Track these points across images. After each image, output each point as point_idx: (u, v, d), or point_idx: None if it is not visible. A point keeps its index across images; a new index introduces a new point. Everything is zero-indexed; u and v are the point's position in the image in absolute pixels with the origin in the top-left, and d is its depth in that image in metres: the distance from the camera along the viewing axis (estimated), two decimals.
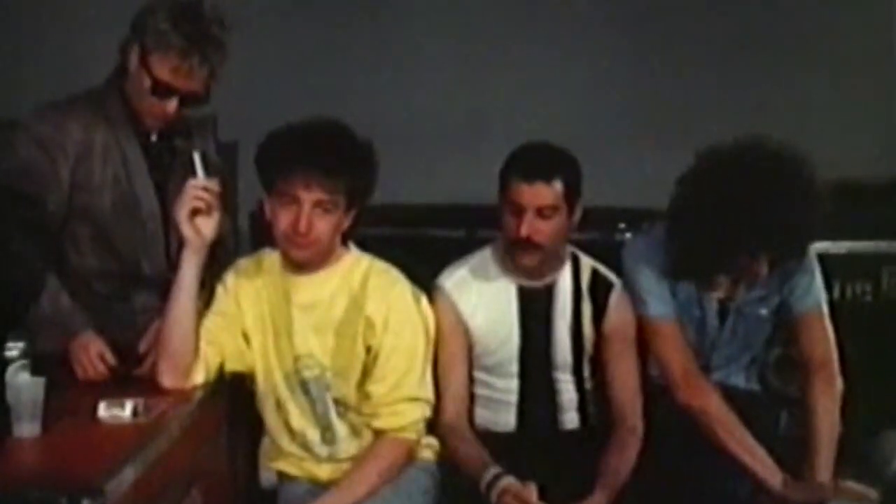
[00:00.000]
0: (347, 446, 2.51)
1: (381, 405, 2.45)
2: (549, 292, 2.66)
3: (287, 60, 4.18)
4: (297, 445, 2.53)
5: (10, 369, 2.12)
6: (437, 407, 2.55)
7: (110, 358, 2.42)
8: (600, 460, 2.54)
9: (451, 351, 2.60)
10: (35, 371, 2.14)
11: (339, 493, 2.39)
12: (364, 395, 2.47)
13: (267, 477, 2.62)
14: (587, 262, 2.71)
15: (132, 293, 2.62)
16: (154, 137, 2.60)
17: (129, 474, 1.92)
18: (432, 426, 2.56)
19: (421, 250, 3.10)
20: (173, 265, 2.45)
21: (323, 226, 2.36)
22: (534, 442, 2.65)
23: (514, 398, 2.67)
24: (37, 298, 2.41)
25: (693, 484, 2.51)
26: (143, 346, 2.48)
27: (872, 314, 3.50)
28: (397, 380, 2.45)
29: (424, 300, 2.56)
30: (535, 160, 2.56)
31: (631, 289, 2.67)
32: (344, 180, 2.36)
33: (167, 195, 2.57)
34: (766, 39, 4.29)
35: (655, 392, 2.65)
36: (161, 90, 2.45)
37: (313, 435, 2.51)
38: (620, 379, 2.64)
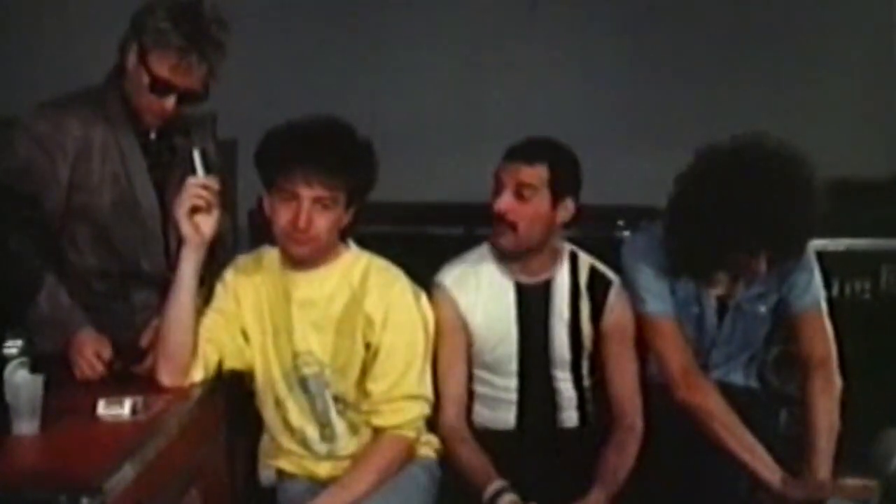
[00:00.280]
0: (347, 444, 2.51)
1: (380, 403, 2.45)
2: (546, 289, 2.66)
3: (286, 58, 4.18)
4: (296, 443, 2.53)
5: (9, 367, 2.12)
6: (437, 406, 2.55)
7: (108, 356, 2.41)
8: (599, 458, 2.54)
9: (451, 348, 2.61)
10: (34, 369, 2.14)
11: (339, 491, 2.39)
12: (363, 392, 2.47)
13: (266, 475, 2.62)
14: (585, 260, 2.71)
15: (131, 291, 2.62)
16: (153, 135, 2.60)
17: (128, 472, 1.92)
18: (432, 424, 2.57)
19: (420, 248, 3.11)
20: (172, 263, 2.45)
21: (322, 222, 2.37)
22: (533, 440, 2.65)
23: (513, 396, 2.67)
24: (35, 297, 2.41)
25: (692, 482, 2.51)
26: (143, 342, 2.47)
27: (871, 312, 3.50)
28: (397, 377, 2.45)
29: (424, 297, 2.56)
30: (524, 144, 2.60)
31: (630, 286, 2.67)
32: (343, 177, 2.36)
33: (166, 193, 2.57)
34: (766, 39, 4.29)
35: (654, 390, 2.65)
36: (159, 88, 2.46)
37: (312, 432, 2.51)
38: (619, 377, 2.64)
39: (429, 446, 2.57)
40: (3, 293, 2.38)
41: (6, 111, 2.70)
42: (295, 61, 4.18)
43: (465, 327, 2.62)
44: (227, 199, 2.43)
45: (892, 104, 4.19)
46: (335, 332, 2.45)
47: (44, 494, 1.80)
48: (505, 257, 2.63)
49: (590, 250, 2.74)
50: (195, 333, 2.39)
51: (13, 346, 2.15)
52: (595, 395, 2.71)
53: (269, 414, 2.53)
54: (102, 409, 2.17)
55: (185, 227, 2.35)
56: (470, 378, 2.65)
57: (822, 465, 2.54)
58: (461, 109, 4.23)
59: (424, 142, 4.14)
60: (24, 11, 4.13)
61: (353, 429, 2.51)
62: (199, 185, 2.35)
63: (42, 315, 2.41)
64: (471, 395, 2.66)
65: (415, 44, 4.27)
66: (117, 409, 2.17)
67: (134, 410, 2.17)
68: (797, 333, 2.70)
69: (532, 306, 2.65)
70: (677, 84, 4.21)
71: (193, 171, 2.36)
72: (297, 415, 2.50)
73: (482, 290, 2.64)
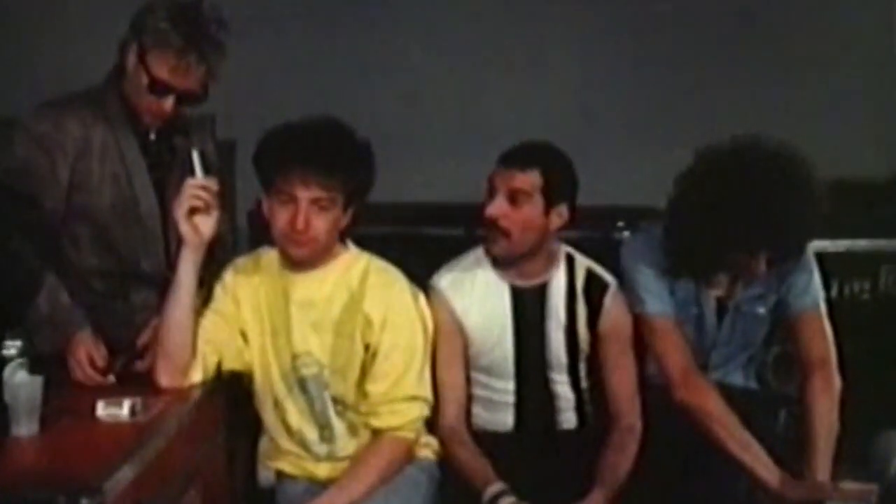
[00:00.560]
0: (346, 445, 2.51)
1: (379, 404, 2.46)
2: (542, 293, 2.65)
3: (285, 59, 4.17)
4: (295, 444, 2.53)
5: (8, 368, 2.13)
6: (436, 409, 2.55)
7: (100, 360, 2.40)
8: (598, 460, 2.54)
9: (448, 351, 2.60)
10: (33, 370, 2.14)
11: (338, 492, 2.39)
12: (362, 393, 2.47)
13: (265, 476, 2.62)
14: (582, 263, 2.70)
15: (131, 291, 2.62)
16: (153, 136, 2.60)
17: (127, 473, 1.92)
18: (431, 426, 2.57)
19: (419, 249, 3.10)
20: (172, 264, 2.45)
21: (321, 224, 2.36)
22: (532, 442, 2.65)
23: (511, 398, 2.67)
24: (35, 298, 2.41)
25: (691, 483, 2.51)
26: (141, 340, 2.47)
27: (871, 312, 3.50)
28: (396, 378, 2.45)
29: (423, 298, 2.56)
30: (518, 149, 2.59)
31: (629, 287, 2.67)
32: (342, 178, 2.36)
33: (166, 194, 2.58)
34: (766, 39, 4.28)
35: (653, 391, 2.65)
36: (158, 88, 2.46)
37: (311, 434, 2.51)
38: (617, 378, 2.64)
39: (428, 448, 2.57)
40: (3, 294, 2.38)
41: (6, 111, 2.70)
42: (294, 62, 4.18)
43: (461, 330, 2.62)
44: (225, 200, 2.43)
45: (892, 104, 4.19)
46: (334, 332, 2.46)
47: (43, 495, 1.80)
48: (499, 262, 2.63)
49: (589, 251, 2.74)
50: (194, 334, 2.39)
51: (12, 347, 2.15)
52: (593, 397, 2.71)
53: (268, 415, 2.53)
54: (101, 410, 2.17)
55: (184, 228, 2.35)
56: (468, 381, 2.65)
57: (822, 465, 2.53)
58: (460, 110, 4.22)
59: (423, 142, 4.13)
60: (24, 11, 4.13)
61: (353, 430, 2.51)
62: (197, 185, 2.34)
63: (42, 315, 2.41)
64: (469, 397, 2.66)
65: (413, 44, 4.26)
66: (116, 410, 2.17)
67: (133, 411, 2.17)
68: (796, 334, 2.70)
69: (528, 309, 2.64)
70: (677, 85, 4.20)
71: (192, 172, 2.36)
72: (296, 416, 2.50)
73: (477, 294, 2.64)
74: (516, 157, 2.57)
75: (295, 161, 2.34)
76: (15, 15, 4.12)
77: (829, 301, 2.73)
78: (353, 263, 2.50)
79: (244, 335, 2.49)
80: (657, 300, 2.64)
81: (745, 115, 3.95)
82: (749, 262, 2.53)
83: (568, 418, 2.71)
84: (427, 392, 2.51)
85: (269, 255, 2.51)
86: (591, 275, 2.68)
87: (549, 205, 2.56)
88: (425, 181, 3.79)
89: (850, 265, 3.48)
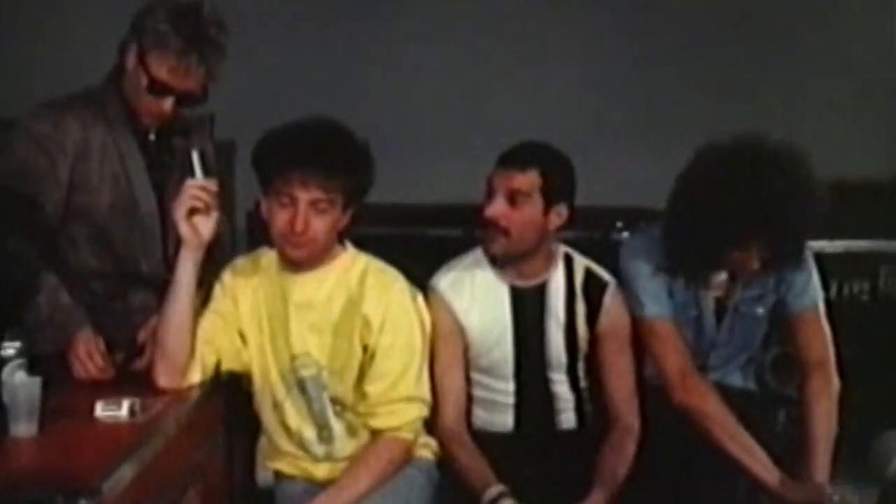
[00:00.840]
0: (344, 446, 2.51)
1: (378, 404, 2.45)
2: (541, 292, 2.66)
3: (284, 60, 4.18)
4: (294, 445, 2.53)
5: (7, 368, 2.13)
6: (436, 410, 2.55)
7: (100, 356, 2.39)
8: (598, 460, 2.55)
9: (448, 352, 2.60)
10: (32, 370, 2.15)
11: (336, 493, 2.39)
12: (361, 394, 2.47)
13: (264, 476, 2.62)
14: (581, 262, 2.70)
15: (130, 292, 2.62)
16: (152, 136, 2.60)
17: (125, 474, 1.92)
18: (430, 426, 2.57)
19: (418, 249, 3.11)
20: (171, 264, 2.44)
21: (319, 225, 2.37)
22: (531, 442, 2.65)
23: (510, 399, 2.67)
24: (33, 298, 2.41)
25: (691, 483, 2.51)
26: (141, 337, 2.48)
27: (870, 313, 3.50)
28: (394, 379, 2.45)
29: (421, 299, 2.56)
30: (517, 149, 2.60)
31: (627, 289, 2.67)
32: (341, 179, 2.36)
33: (165, 194, 2.58)
34: (766, 39, 4.29)
35: (652, 391, 2.65)
36: (157, 89, 2.46)
37: (310, 434, 2.51)
38: (616, 378, 2.64)
39: (427, 448, 2.57)
40: (2, 294, 2.38)
41: (6, 112, 2.70)
42: (293, 63, 4.18)
43: (460, 331, 2.62)
44: (224, 201, 2.43)
45: (892, 104, 4.19)
46: (333, 333, 2.45)
47: (41, 495, 1.80)
48: (498, 262, 2.63)
49: (588, 252, 2.74)
50: (193, 335, 2.39)
51: (11, 348, 2.15)
52: (592, 397, 2.71)
53: (267, 415, 2.53)
54: (100, 410, 2.17)
55: (184, 229, 2.34)
56: (467, 381, 2.65)
57: (821, 466, 2.53)
58: (459, 111, 4.23)
59: (422, 143, 4.14)
60: (23, 12, 4.13)
61: (351, 430, 2.51)
62: (197, 186, 2.34)
63: (43, 316, 2.41)
64: (468, 398, 2.66)
65: (412, 45, 4.27)
66: (115, 411, 2.17)
67: (132, 412, 2.17)
68: (795, 335, 2.70)
69: (527, 309, 2.65)
70: (677, 85, 4.21)
71: (192, 173, 2.36)
72: (295, 416, 2.50)
73: (477, 294, 2.64)
74: (515, 158, 2.57)
75: (294, 162, 2.34)
76: (14, 16, 4.12)
77: (828, 302, 2.73)
78: (351, 264, 2.50)
79: (243, 336, 2.49)
80: (655, 302, 2.64)
81: (745, 115, 3.95)
82: (746, 260, 2.52)
83: (567, 418, 2.71)
84: (426, 393, 2.51)
85: (268, 256, 2.51)
86: (589, 274, 2.69)
87: (548, 205, 2.56)
88: (424, 182, 3.79)
89: (850, 265, 3.48)
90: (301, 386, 2.48)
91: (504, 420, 2.68)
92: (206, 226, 2.35)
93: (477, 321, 2.63)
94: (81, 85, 2.62)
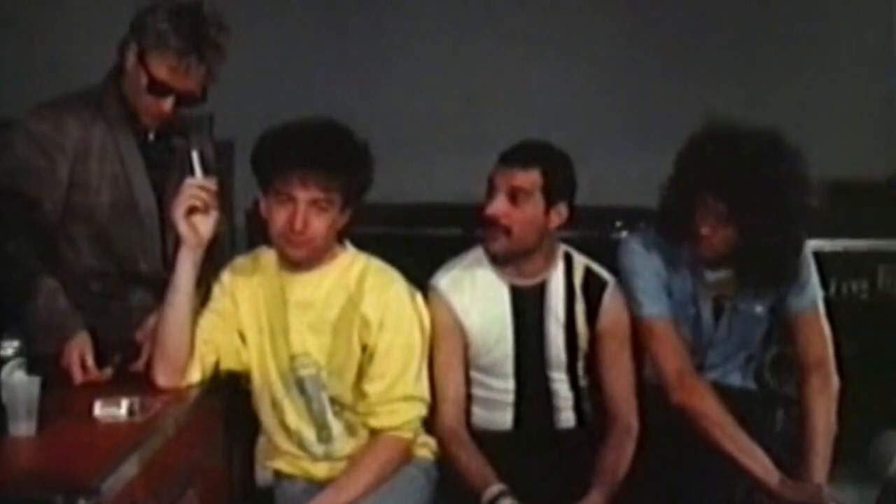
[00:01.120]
0: (343, 445, 2.51)
1: (377, 404, 2.46)
2: (541, 291, 2.66)
3: (283, 59, 4.18)
4: (293, 444, 2.53)
5: (6, 368, 2.12)
6: (435, 409, 2.55)
7: (90, 361, 2.38)
8: (597, 459, 2.55)
9: (448, 352, 2.60)
10: (31, 370, 2.14)
11: (335, 492, 2.39)
12: (360, 393, 2.47)
13: (263, 475, 2.62)
14: (580, 261, 2.71)
15: (129, 292, 2.62)
16: (152, 136, 2.60)
17: (125, 473, 1.92)
18: (430, 426, 2.57)
19: (417, 249, 3.11)
20: (170, 264, 2.44)
21: (319, 224, 2.37)
22: (530, 441, 2.65)
23: (510, 398, 2.67)
24: (31, 298, 2.41)
25: (689, 483, 2.51)
26: (139, 336, 2.48)
27: (869, 312, 3.50)
28: (393, 379, 2.45)
29: (421, 299, 2.56)
30: (518, 148, 2.60)
31: (626, 288, 2.67)
32: (340, 179, 2.36)
33: (164, 194, 2.58)
34: (766, 39, 4.29)
35: (651, 391, 2.65)
36: (157, 89, 2.46)
37: (309, 434, 2.51)
38: (615, 377, 2.64)
39: (426, 448, 2.57)
40: (1, 293, 2.38)
41: (5, 112, 2.70)
42: (292, 62, 4.18)
43: (460, 330, 2.62)
44: (224, 201, 2.43)
45: (892, 104, 4.19)
46: (332, 333, 2.46)
47: (40, 495, 1.79)
48: (498, 260, 2.63)
49: (587, 252, 2.74)
50: (192, 334, 2.39)
51: (9, 348, 2.15)
52: (591, 396, 2.71)
53: (266, 415, 2.53)
54: (99, 410, 2.16)
55: (183, 228, 2.35)
56: (467, 381, 2.65)
57: (820, 466, 2.53)
58: (458, 111, 4.23)
59: (422, 143, 4.14)
60: (22, 11, 4.13)
61: (351, 430, 2.51)
62: (196, 185, 2.34)
63: (40, 318, 2.40)
64: (468, 397, 2.66)
65: (412, 45, 4.27)
66: (114, 410, 2.16)
67: (131, 411, 2.17)
68: (794, 334, 2.70)
69: (527, 308, 2.65)
70: (677, 85, 4.21)
71: (192, 172, 2.36)
72: (294, 416, 2.50)
73: (477, 293, 2.64)
74: (517, 156, 2.58)
75: (293, 161, 2.34)
76: (13, 15, 4.12)
77: (827, 301, 2.73)
78: (351, 264, 2.50)
79: (242, 335, 2.49)
80: (653, 302, 2.64)
81: (745, 115, 3.95)
82: (718, 219, 2.51)
83: (567, 417, 2.71)
84: (425, 392, 2.51)
85: (267, 256, 2.51)
86: (589, 273, 2.69)
87: (549, 203, 2.57)
88: (423, 182, 3.80)
89: (849, 265, 3.49)
90: (300, 385, 2.48)
91: (503, 419, 2.68)
92: (205, 225, 2.35)
93: (477, 320, 2.63)
94: (81, 85, 2.61)
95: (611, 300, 2.67)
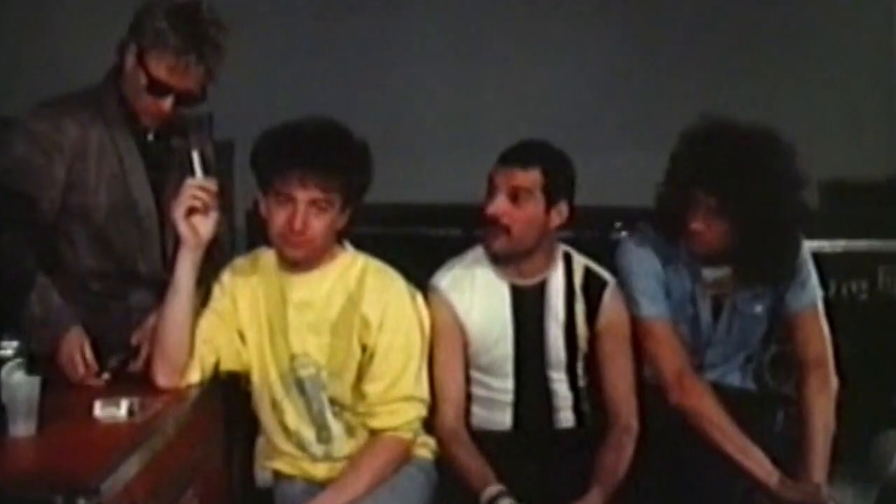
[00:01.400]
0: (343, 445, 2.51)
1: (376, 404, 2.46)
2: (541, 291, 2.66)
3: (284, 60, 4.18)
4: (292, 445, 2.53)
5: (5, 368, 2.12)
6: (435, 409, 2.55)
7: (90, 354, 2.39)
8: (596, 459, 2.55)
9: (448, 351, 2.60)
10: (30, 370, 2.14)
11: (335, 492, 2.40)
12: (360, 394, 2.47)
13: (263, 476, 2.63)
14: (580, 261, 2.71)
15: (129, 292, 2.61)
16: (151, 136, 2.59)
17: (124, 473, 1.92)
18: (429, 426, 2.57)
19: (417, 249, 3.11)
20: (170, 264, 2.45)
21: (318, 224, 2.37)
22: (529, 441, 2.65)
23: (509, 397, 2.67)
24: (28, 297, 2.41)
25: (689, 483, 2.51)
26: (134, 339, 2.47)
27: (868, 313, 3.49)
28: (393, 379, 2.45)
29: (420, 299, 2.56)
30: (518, 147, 2.61)
31: (624, 289, 2.67)
32: (339, 179, 2.36)
33: (164, 194, 2.57)
34: (766, 38, 4.29)
35: (650, 391, 2.65)
36: (156, 88, 2.46)
37: (309, 434, 2.51)
38: (614, 377, 2.64)
39: (426, 448, 2.57)
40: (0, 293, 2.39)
41: (3, 111, 2.70)
42: (292, 62, 4.18)
43: (461, 330, 2.62)
44: (223, 200, 2.43)
45: (892, 104, 4.19)
46: (331, 333, 2.46)
47: (40, 495, 1.80)
48: (498, 260, 2.63)
49: (586, 252, 2.74)
50: (192, 335, 2.39)
51: (9, 347, 2.15)
52: (591, 396, 2.71)
53: (266, 415, 2.53)
54: (99, 410, 2.17)
55: (183, 229, 2.35)
56: (467, 380, 2.65)
57: (819, 465, 2.53)
58: (458, 110, 4.23)
59: (421, 143, 4.14)
60: (22, 11, 4.13)
61: (350, 430, 2.51)
62: (196, 186, 2.35)
63: (35, 316, 2.40)
64: (467, 396, 2.66)
65: (411, 45, 4.27)
66: (114, 411, 2.17)
67: (131, 411, 2.17)
68: (794, 333, 2.70)
69: (527, 308, 2.65)
70: (677, 85, 4.20)
71: (192, 173, 2.36)
72: (294, 416, 2.50)
73: (477, 293, 2.64)
74: (517, 155, 2.58)
75: (293, 162, 2.34)
76: (12, 15, 4.12)
77: (826, 301, 2.73)
78: (350, 264, 2.50)
79: (242, 336, 2.49)
80: (652, 302, 2.64)
81: (744, 115, 3.95)
82: (708, 212, 2.51)
83: (566, 417, 2.71)
84: (424, 392, 2.51)
85: (267, 256, 2.51)
86: (589, 273, 2.69)
87: (549, 203, 2.57)
88: (423, 181, 3.80)
89: (848, 265, 3.48)
90: (300, 386, 2.48)
91: (502, 418, 2.68)
92: (205, 225, 2.35)
93: (477, 320, 2.63)
94: (80, 84, 2.61)
95: (611, 300, 2.67)
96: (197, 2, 2.48)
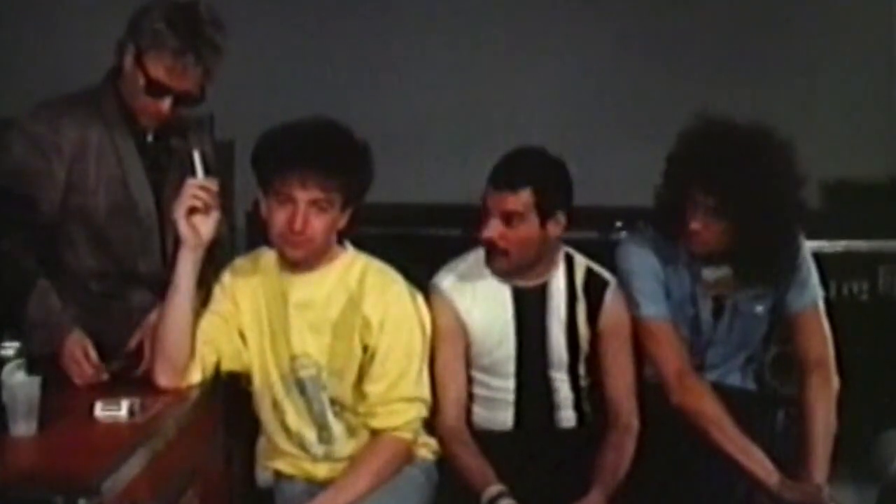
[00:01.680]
0: (344, 446, 2.51)
1: (377, 405, 2.45)
2: (543, 292, 2.66)
3: (284, 60, 4.18)
4: (293, 445, 2.52)
5: (6, 369, 2.12)
6: (436, 409, 2.55)
7: (93, 355, 2.39)
8: (597, 459, 2.55)
9: (449, 351, 2.60)
10: (31, 370, 2.14)
11: (336, 493, 2.39)
12: (360, 394, 2.47)
13: (263, 476, 2.62)
14: (581, 262, 2.71)
15: (129, 293, 2.61)
16: (150, 137, 2.59)
17: (125, 473, 1.92)
18: (430, 426, 2.57)
19: (417, 249, 3.10)
20: (170, 265, 2.44)
21: (318, 225, 2.36)
22: (531, 440, 2.65)
23: (510, 397, 2.67)
24: (28, 298, 2.41)
25: (690, 483, 2.51)
26: (132, 343, 2.47)
27: (869, 313, 3.50)
28: (394, 379, 2.45)
29: (421, 299, 2.56)
30: (508, 167, 2.57)
31: (625, 289, 2.67)
32: (340, 179, 2.36)
33: (163, 194, 2.57)
34: (766, 39, 4.29)
35: (651, 391, 2.65)
36: (155, 89, 2.45)
37: (310, 434, 2.51)
38: (616, 377, 2.64)
39: (427, 448, 2.57)
40: (1, 294, 2.38)
41: (2, 112, 2.70)
42: (292, 63, 4.19)
43: (462, 330, 2.62)
44: (224, 201, 2.43)
45: (892, 104, 4.19)
46: (332, 334, 2.45)
47: (41, 495, 1.79)
48: (502, 275, 2.63)
49: (587, 252, 2.74)
50: (192, 335, 2.39)
51: (10, 348, 2.14)
52: (592, 396, 2.71)
53: (267, 416, 2.53)
54: (100, 410, 2.17)
55: (183, 229, 2.34)
56: (468, 380, 2.65)
57: (819, 465, 2.53)
58: (458, 110, 4.24)
59: (422, 143, 4.15)
60: (21, 12, 4.13)
61: (351, 431, 2.51)
62: (197, 186, 2.34)
63: (34, 318, 2.40)
64: (469, 396, 2.66)
65: (412, 45, 4.27)
66: (115, 411, 2.16)
67: (131, 412, 2.17)
68: (794, 333, 2.70)
69: (529, 309, 2.65)
70: (676, 85, 4.21)
71: (193, 173, 2.36)
72: (295, 417, 2.50)
73: (479, 294, 2.64)
74: (506, 178, 2.54)
75: (293, 162, 2.34)
76: (11, 15, 4.12)
77: (827, 301, 2.73)
78: (351, 265, 2.50)
79: (242, 336, 2.49)
80: (652, 302, 2.64)
81: (744, 115, 3.95)
82: (707, 212, 2.51)
83: (567, 417, 2.71)
84: (425, 393, 2.51)
85: (268, 256, 2.51)
86: (590, 273, 2.69)
87: (544, 218, 2.56)
88: (424, 182, 3.80)
89: (849, 265, 3.48)
90: (300, 386, 2.48)
91: (504, 418, 2.68)
92: (205, 226, 2.35)
93: (479, 320, 2.63)
94: (79, 85, 2.61)
95: (612, 300, 2.67)
96: (195, 2, 2.47)
